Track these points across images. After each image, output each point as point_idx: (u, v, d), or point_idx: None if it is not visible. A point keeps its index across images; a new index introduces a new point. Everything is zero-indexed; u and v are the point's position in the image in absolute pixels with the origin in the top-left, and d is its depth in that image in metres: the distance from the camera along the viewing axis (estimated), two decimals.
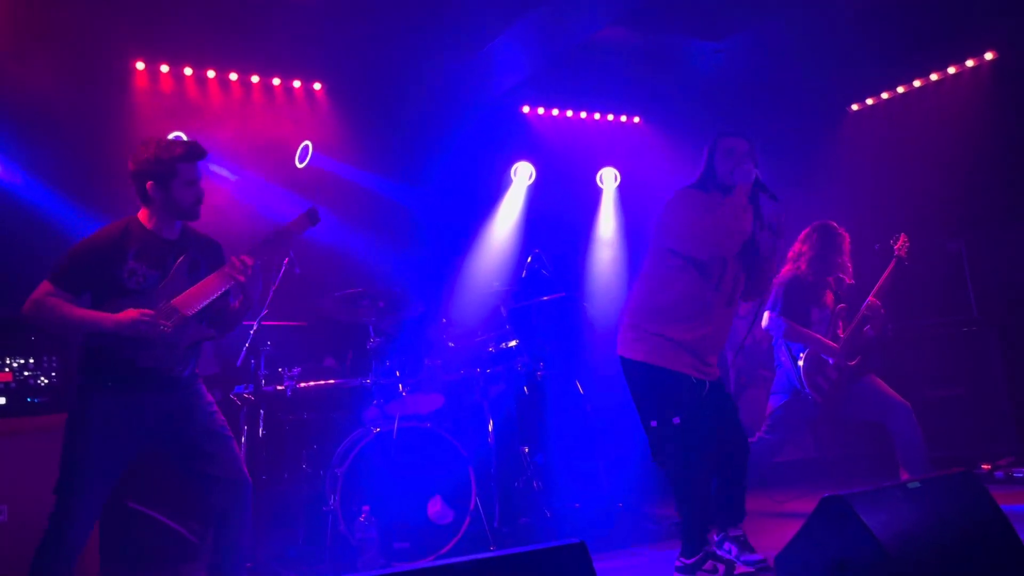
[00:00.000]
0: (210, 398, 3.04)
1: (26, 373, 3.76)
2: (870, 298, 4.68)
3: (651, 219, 3.58)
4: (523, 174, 6.15)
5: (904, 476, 4.53)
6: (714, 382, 3.54)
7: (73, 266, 2.86)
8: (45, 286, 2.83)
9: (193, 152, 2.97)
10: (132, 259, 2.89)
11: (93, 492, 2.80)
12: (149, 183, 2.93)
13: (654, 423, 3.37)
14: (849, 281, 4.71)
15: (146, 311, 2.82)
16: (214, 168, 5.02)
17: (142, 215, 2.99)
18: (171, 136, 4.88)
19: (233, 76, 5.28)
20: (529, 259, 4.88)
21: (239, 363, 4.15)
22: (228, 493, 2.95)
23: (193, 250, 3.04)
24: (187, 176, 2.95)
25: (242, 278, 2.95)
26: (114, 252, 2.88)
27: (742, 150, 3.47)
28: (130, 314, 2.80)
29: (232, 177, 5.04)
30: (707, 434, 3.38)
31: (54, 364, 3.82)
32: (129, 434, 2.87)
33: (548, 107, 6.40)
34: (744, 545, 3.52)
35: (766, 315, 4.73)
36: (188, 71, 5.12)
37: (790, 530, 2.76)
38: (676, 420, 3.32)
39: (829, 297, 4.73)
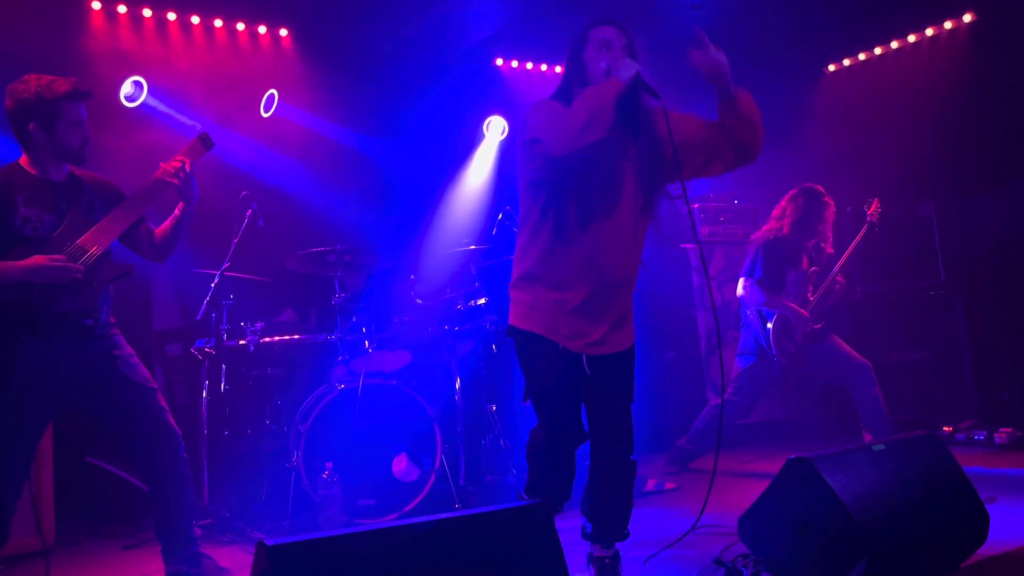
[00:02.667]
0: (130, 350, 2.97)
1: None
2: (839, 265, 4.69)
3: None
4: (496, 129, 6.03)
5: (867, 437, 4.59)
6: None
7: None
8: None
9: (79, 91, 2.85)
10: (23, 206, 2.78)
11: (16, 451, 2.73)
12: (32, 124, 2.80)
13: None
14: (829, 250, 4.71)
15: (55, 256, 2.73)
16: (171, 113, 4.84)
17: (23, 161, 2.88)
18: (131, 79, 4.72)
19: (195, 19, 5.07)
20: (500, 216, 4.79)
21: (199, 316, 4.05)
22: (158, 447, 2.90)
23: (87, 191, 2.94)
24: (72, 116, 2.84)
25: (177, 181, 2.91)
26: (0, 202, 2.76)
27: (620, 43, 2.73)
28: (37, 260, 2.70)
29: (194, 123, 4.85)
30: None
31: None
32: (49, 386, 2.78)
33: (522, 60, 6.26)
34: (605, 572, 2.79)
35: (742, 281, 4.73)
36: (147, 12, 4.91)
37: (755, 489, 2.76)
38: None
39: (804, 260, 4.73)
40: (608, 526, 2.81)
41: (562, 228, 2.64)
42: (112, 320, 2.98)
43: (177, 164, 2.92)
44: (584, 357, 2.68)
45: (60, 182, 2.90)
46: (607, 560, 2.80)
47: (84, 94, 2.86)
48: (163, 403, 2.97)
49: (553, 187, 2.65)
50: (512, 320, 2.79)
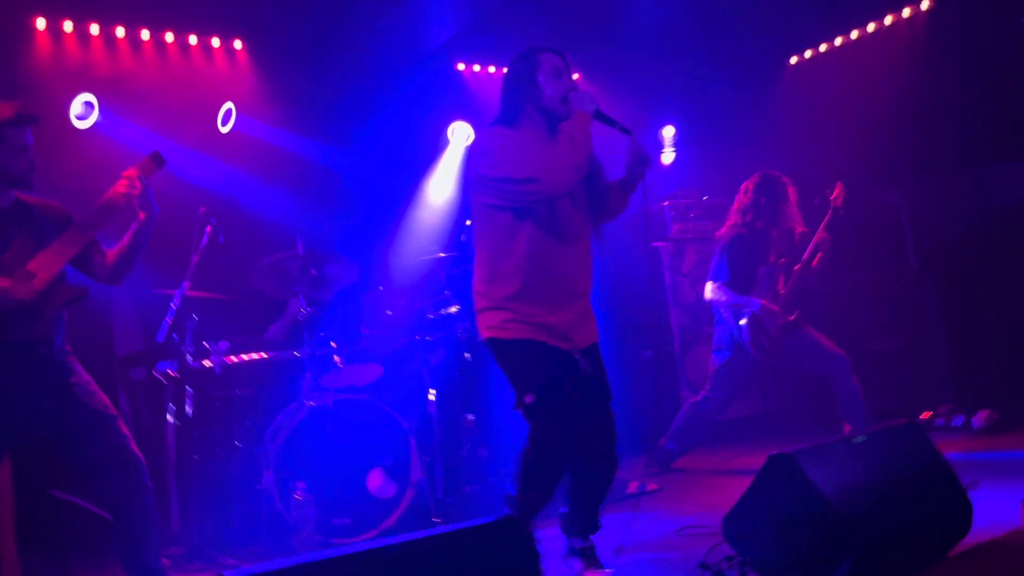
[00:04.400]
0: (87, 377, 2.88)
1: None
2: (810, 248, 4.65)
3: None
4: (460, 134, 5.95)
5: (847, 429, 4.56)
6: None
7: None
8: None
9: (22, 116, 2.78)
10: None
11: None
12: None
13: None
14: (800, 229, 4.68)
15: (0, 280, 2.64)
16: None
17: None
18: (81, 98, 4.58)
19: (145, 34, 4.94)
20: (468, 222, 4.72)
21: (161, 339, 3.93)
22: (121, 477, 2.81)
23: (36, 217, 2.86)
24: (16, 142, 2.77)
25: (136, 191, 2.85)
26: None
27: (568, 71, 2.97)
28: None
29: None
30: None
31: None
32: (4, 418, 2.68)
33: (484, 64, 6.19)
34: (591, 560, 2.95)
35: (709, 285, 4.70)
36: (95, 29, 4.77)
37: (738, 487, 2.70)
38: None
39: (772, 253, 4.70)
40: (593, 519, 2.99)
41: (537, 253, 2.82)
42: (68, 348, 2.88)
43: (131, 174, 2.86)
44: (575, 352, 2.88)
45: (6, 208, 2.83)
46: (588, 550, 2.97)
47: (28, 119, 2.79)
48: (125, 431, 2.87)
49: (525, 214, 2.82)
50: (491, 333, 2.87)
